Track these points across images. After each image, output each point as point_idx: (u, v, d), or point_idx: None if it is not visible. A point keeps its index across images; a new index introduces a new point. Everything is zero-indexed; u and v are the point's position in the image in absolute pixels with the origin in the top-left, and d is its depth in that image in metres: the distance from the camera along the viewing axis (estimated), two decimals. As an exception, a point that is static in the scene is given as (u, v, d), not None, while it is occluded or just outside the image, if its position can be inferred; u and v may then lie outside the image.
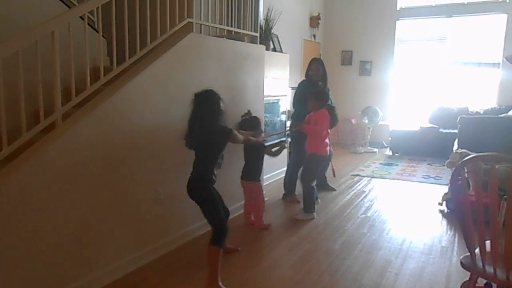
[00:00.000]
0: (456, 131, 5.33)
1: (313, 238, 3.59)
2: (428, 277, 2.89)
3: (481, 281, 2.26)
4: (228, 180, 3.56)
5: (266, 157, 3.87)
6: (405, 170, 6.31)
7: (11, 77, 2.20)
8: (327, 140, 4.07)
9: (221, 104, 2.79)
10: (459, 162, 1.94)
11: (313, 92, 4.09)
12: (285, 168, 4.98)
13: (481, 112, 7.13)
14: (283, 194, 4.77)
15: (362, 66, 8.57)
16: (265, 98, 4.70)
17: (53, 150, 2.31)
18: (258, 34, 4.56)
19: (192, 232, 3.50)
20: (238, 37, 4.29)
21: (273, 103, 5.37)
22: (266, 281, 2.83)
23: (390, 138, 7.79)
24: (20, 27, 2.82)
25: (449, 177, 4.58)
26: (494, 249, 1.86)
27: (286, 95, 5.72)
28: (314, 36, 8.19)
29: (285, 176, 4.79)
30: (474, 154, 1.98)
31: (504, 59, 6.55)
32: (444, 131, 7.03)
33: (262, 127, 3.94)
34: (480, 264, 1.95)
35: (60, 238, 2.39)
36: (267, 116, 5.04)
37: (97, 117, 2.56)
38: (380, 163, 6.79)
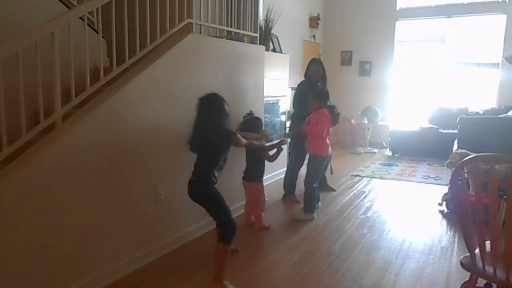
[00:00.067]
0: (456, 131, 5.33)
1: (313, 238, 3.59)
2: (428, 277, 2.89)
3: (481, 281, 2.26)
4: (228, 181, 3.56)
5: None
6: (405, 170, 6.31)
7: (11, 78, 2.20)
8: (328, 140, 4.08)
9: (226, 107, 2.82)
10: (459, 163, 1.94)
11: (315, 91, 4.10)
12: (285, 169, 4.98)
13: (481, 112, 7.14)
14: (283, 195, 4.77)
15: (361, 66, 8.58)
16: (265, 99, 4.71)
17: (53, 150, 2.31)
18: (257, 35, 4.56)
19: (192, 233, 3.50)
20: (237, 38, 4.30)
21: (273, 103, 5.37)
22: (266, 281, 2.83)
23: (390, 139, 7.79)
24: (20, 28, 2.82)
25: (449, 178, 4.58)
26: (494, 249, 1.86)
27: (286, 96, 5.72)
28: (314, 36, 8.19)
29: (285, 177, 4.79)
30: (474, 155, 1.98)
31: (503, 59, 6.56)
32: (444, 131, 7.03)
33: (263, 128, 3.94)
34: (480, 264, 1.95)
35: (60, 238, 2.39)
36: (267, 117, 5.04)
37: (97, 117, 2.56)
38: (380, 164, 6.79)
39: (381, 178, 5.84)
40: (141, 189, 2.98)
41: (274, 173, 5.42)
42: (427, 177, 5.83)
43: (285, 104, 5.74)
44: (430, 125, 7.34)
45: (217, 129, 2.76)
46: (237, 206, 3.97)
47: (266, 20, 5.58)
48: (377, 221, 4.05)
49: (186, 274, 2.89)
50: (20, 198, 2.16)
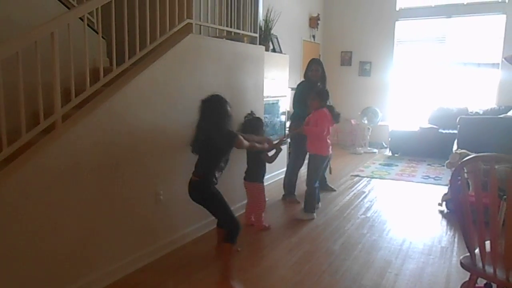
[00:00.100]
0: (455, 131, 5.33)
1: (313, 238, 3.59)
2: (428, 277, 2.89)
3: (481, 282, 2.26)
4: (229, 181, 3.56)
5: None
6: (405, 170, 6.31)
7: (10, 78, 2.20)
8: (328, 140, 4.08)
9: (228, 109, 2.83)
10: (459, 163, 1.94)
11: (316, 91, 4.10)
12: (284, 169, 4.98)
13: (481, 112, 7.14)
14: (283, 195, 4.77)
15: (361, 66, 8.58)
16: (264, 99, 4.71)
17: (53, 151, 2.31)
18: (257, 35, 4.56)
19: (192, 233, 3.50)
20: (237, 38, 4.30)
21: (273, 103, 5.37)
22: (266, 281, 2.83)
23: (389, 139, 7.79)
24: (20, 28, 2.83)
25: (449, 178, 4.58)
26: (494, 249, 1.86)
27: (285, 96, 5.72)
28: (314, 36, 8.19)
29: (285, 177, 4.79)
30: (474, 155, 1.99)
31: (503, 59, 6.56)
32: (444, 131, 7.04)
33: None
34: (480, 264, 1.95)
35: (60, 239, 2.39)
36: (266, 117, 5.04)
37: (97, 118, 2.56)
38: (380, 164, 6.79)
39: (381, 178, 5.84)
40: (141, 189, 2.98)
41: (274, 173, 5.42)
42: (427, 177, 5.83)
43: (285, 104, 5.74)
44: (430, 125, 7.34)
45: (219, 131, 2.77)
46: (237, 206, 3.97)
47: (266, 20, 5.58)
48: (377, 221, 4.05)
49: (186, 274, 2.89)
50: (20, 198, 2.16)
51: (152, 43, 3.11)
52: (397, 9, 8.11)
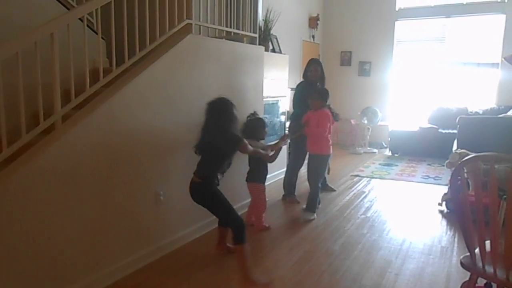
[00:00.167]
0: (455, 131, 5.34)
1: (313, 238, 3.59)
2: (428, 277, 2.89)
3: (481, 281, 2.26)
4: (229, 181, 3.55)
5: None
6: (405, 170, 6.31)
7: (10, 79, 2.20)
8: (329, 139, 4.08)
9: (234, 112, 2.84)
10: (459, 162, 1.94)
11: (317, 91, 4.09)
12: (284, 169, 4.98)
13: (480, 112, 7.14)
14: (283, 195, 4.77)
15: (361, 66, 8.58)
16: (264, 99, 4.71)
17: (52, 151, 2.31)
18: (257, 35, 4.57)
19: (192, 233, 3.50)
20: (237, 38, 4.30)
21: (273, 104, 5.37)
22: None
23: (389, 139, 7.80)
24: (19, 29, 2.83)
25: (449, 177, 4.58)
26: (494, 249, 1.86)
27: (285, 96, 5.72)
28: (313, 37, 8.19)
29: (285, 177, 4.79)
30: (474, 154, 1.99)
31: (503, 59, 6.56)
32: (444, 131, 7.04)
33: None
34: (480, 264, 1.96)
35: (60, 239, 2.39)
36: (266, 117, 5.04)
37: (96, 118, 2.56)
38: (380, 164, 6.79)
39: (381, 178, 5.84)
40: (141, 190, 2.97)
41: (274, 174, 5.41)
42: (427, 177, 5.83)
43: (285, 105, 5.74)
44: (429, 125, 7.34)
45: (224, 134, 2.79)
46: (237, 207, 3.96)
47: (266, 21, 5.58)
48: (377, 221, 4.05)
49: (186, 275, 2.89)
50: (20, 198, 2.15)
51: (151, 44, 3.12)
52: (397, 9, 8.11)
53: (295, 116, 4.57)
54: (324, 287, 2.75)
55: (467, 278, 2.12)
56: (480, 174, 2.06)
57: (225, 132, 2.81)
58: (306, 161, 4.37)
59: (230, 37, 4.27)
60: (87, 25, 2.78)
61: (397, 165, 6.66)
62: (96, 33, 2.81)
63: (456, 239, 3.59)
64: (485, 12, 7.43)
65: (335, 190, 5.09)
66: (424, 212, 4.35)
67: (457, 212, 2.12)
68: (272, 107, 5.34)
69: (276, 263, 3.11)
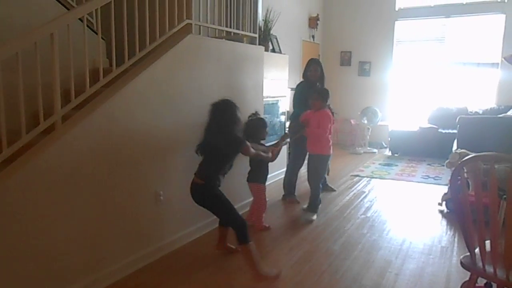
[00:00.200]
0: (455, 131, 5.34)
1: (313, 238, 3.59)
2: (428, 277, 2.89)
3: (481, 281, 2.26)
4: (229, 181, 3.55)
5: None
6: (405, 170, 6.31)
7: (10, 79, 2.20)
8: (330, 139, 4.07)
9: (238, 114, 2.85)
10: (459, 162, 1.94)
11: (318, 91, 4.07)
12: (284, 169, 4.98)
13: (480, 112, 7.14)
14: (283, 195, 4.77)
15: (361, 66, 8.58)
16: (264, 99, 4.71)
17: (52, 151, 2.31)
18: (257, 35, 4.57)
19: (192, 233, 3.50)
20: (237, 38, 4.30)
21: (273, 104, 5.37)
22: (266, 281, 2.82)
23: (389, 139, 7.80)
24: (19, 29, 2.83)
25: (449, 177, 4.58)
26: (494, 249, 1.86)
27: (285, 96, 5.73)
28: (313, 37, 8.19)
29: (285, 177, 4.79)
30: (474, 154, 1.99)
31: (503, 59, 6.56)
32: (443, 131, 7.04)
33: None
34: (480, 264, 1.96)
35: (60, 239, 2.39)
36: (266, 117, 5.04)
37: (96, 118, 2.56)
38: (380, 164, 6.79)
39: (380, 178, 5.84)
40: (141, 190, 2.98)
41: (274, 174, 5.41)
42: (427, 177, 5.83)
43: (285, 105, 5.74)
44: (429, 125, 7.34)
45: (227, 136, 2.81)
46: (237, 207, 3.94)
47: (265, 21, 5.58)
48: (377, 221, 4.05)
49: (186, 275, 2.89)
50: (20, 199, 2.15)
51: (151, 44, 3.12)
52: (397, 9, 8.11)
53: (295, 116, 4.57)
54: (324, 287, 2.75)
55: (467, 278, 2.12)
56: (480, 174, 2.06)
57: (228, 133, 2.82)
58: (306, 161, 4.37)
59: (230, 37, 4.27)
60: (87, 25, 2.78)
61: (397, 165, 6.66)
62: (96, 33, 2.81)
63: (456, 239, 3.59)
64: (485, 12, 7.43)
65: (335, 190, 5.09)
66: (424, 212, 4.35)
67: (457, 212, 2.12)
68: (272, 107, 5.35)
69: (276, 263, 3.10)
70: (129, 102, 2.80)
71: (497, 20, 7.34)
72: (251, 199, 3.92)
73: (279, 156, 3.70)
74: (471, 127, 5.03)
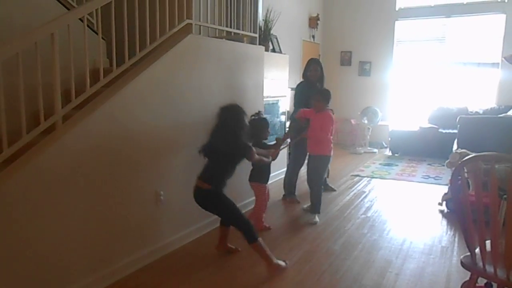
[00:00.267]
0: (455, 131, 5.34)
1: (313, 238, 3.59)
2: (428, 277, 2.89)
3: (482, 281, 2.26)
4: (232, 179, 3.56)
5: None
6: (405, 170, 6.31)
7: (11, 79, 2.20)
8: (331, 140, 4.06)
9: (245, 119, 2.87)
10: (459, 162, 1.94)
11: (320, 92, 4.04)
12: (285, 169, 4.98)
13: (481, 112, 7.14)
14: (283, 195, 4.77)
15: (361, 66, 8.58)
16: (264, 99, 4.71)
17: (53, 151, 2.31)
18: (257, 35, 4.57)
19: (192, 233, 3.50)
20: (237, 38, 4.30)
21: (273, 103, 5.37)
22: (267, 281, 2.83)
23: (389, 139, 7.80)
24: (20, 29, 2.83)
25: (449, 177, 4.58)
26: (494, 248, 1.86)
27: (285, 96, 5.72)
28: (313, 36, 8.19)
29: (285, 177, 4.79)
30: (474, 154, 1.99)
31: (503, 59, 6.55)
32: (444, 131, 7.04)
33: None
34: (480, 263, 1.96)
35: (60, 239, 2.39)
36: (266, 117, 5.03)
37: (97, 118, 2.56)
38: (380, 164, 6.79)
39: (381, 178, 5.84)
40: (142, 190, 2.98)
41: (274, 173, 5.41)
42: (427, 177, 5.83)
43: (285, 105, 5.74)
44: (430, 125, 7.34)
45: (235, 141, 2.83)
46: (238, 206, 3.96)
47: (266, 21, 5.58)
48: (377, 221, 4.05)
49: (186, 275, 2.89)
50: (20, 198, 2.16)
51: (152, 44, 3.12)
52: (397, 9, 8.11)
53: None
54: (324, 287, 2.75)
55: (468, 278, 2.12)
56: (481, 174, 2.06)
57: (235, 139, 2.84)
58: (306, 161, 4.37)
59: (230, 37, 4.27)
60: (88, 25, 2.78)
61: (397, 165, 6.66)
62: (97, 33, 2.81)
63: (456, 239, 3.59)
64: (485, 11, 7.42)
65: (335, 190, 5.09)
66: (424, 212, 4.35)
67: (458, 212, 2.12)
68: (272, 107, 5.34)
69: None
70: (129, 102, 2.80)
71: (498, 20, 7.33)
72: (253, 198, 3.92)
73: (279, 156, 3.70)
74: (471, 127, 5.03)
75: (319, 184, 4.07)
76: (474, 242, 1.98)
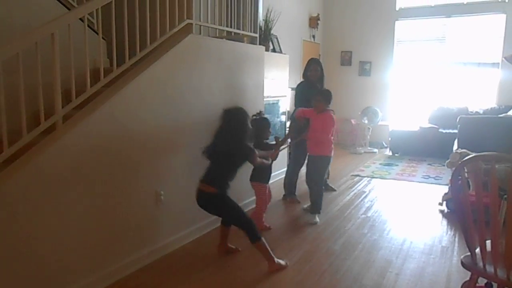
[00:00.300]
0: (456, 131, 5.34)
1: (313, 238, 3.59)
2: (428, 277, 2.89)
3: (482, 281, 2.26)
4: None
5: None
6: (405, 170, 6.31)
7: (11, 79, 2.20)
8: (332, 141, 4.05)
9: (248, 122, 2.89)
10: (459, 162, 1.94)
11: (321, 93, 4.02)
12: (285, 169, 4.98)
13: (481, 112, 7.14)
14: (283, 195, 4.77)
15: (361, 66, 8.58)
16: (264, 99, 4.71)
17: (53, 151, 2.31)
18: (257, 35, 4.57)
19: (192, 233, 3.50)
20: (237, 38, 4.30)
21: (273, 103, 5.37)
22: (267, 281, 2.83)
23: (390, 138, 7.80)
24: (20, 29, 2.83)
25: (449, 177, 4.58)
26: (494, 248, 1.86)
27: (285, 96, 5.73)
28: (314, 36, 8.19)
29: (285, 177, 4.79)
30: (474, 154, 1.99)
31: (503, 59, 6.56)
32: (444, 131, 7.03)
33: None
34: (480, 263, 1.96)
35: (60, 239, 2.39)
36: (267, 117, 5.04)
37: (97, 118, 2.57)
38: (380, 164, 6.79)
39: (381, 178, 5.84)
40: (142, 190, 2.98)
41: (275, 173, 5.41)
42: (427, 177, 5.83)
43: (285, 104, 5.74)
44: (430, 125, 7.34)
45: (238, 144, 2.85)
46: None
47: (266, 21, 5.58)
48: (377, 221, 4.05)
49: (186, 275, 2.89)
50: (20, 198, 2.16)
51: (152, 44, 3.12)
52: (397, 9, 8.11)
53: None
54: (324, 287, 2.75)
55: (468, 278, 2.12)
56: (481, 174, 2.06)
57: (239, 142, 2.85)
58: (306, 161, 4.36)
59: (230, 37, 4.27)
60: (88, 25, 2.78)
61: (397, 165, 6.66)
62: (97, 33, 2.81)
63: (456, 239, 3.59)
64: (485, 11, 7.42)
65: (335, 190, 5.09)
66: (424, 212, 4.35)
67: (458, 212, 2.12)
68: (272, 107, 5.34)
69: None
70: (129, 102, 2.80)
71: (498, 20, 7.33)
72: (253, 198, 3.92)
73: (279, 156, 3.70)
74: (471, 127, 5.03)
75: (319, 185, 4.07)
76: (474, 242, 1.98)
